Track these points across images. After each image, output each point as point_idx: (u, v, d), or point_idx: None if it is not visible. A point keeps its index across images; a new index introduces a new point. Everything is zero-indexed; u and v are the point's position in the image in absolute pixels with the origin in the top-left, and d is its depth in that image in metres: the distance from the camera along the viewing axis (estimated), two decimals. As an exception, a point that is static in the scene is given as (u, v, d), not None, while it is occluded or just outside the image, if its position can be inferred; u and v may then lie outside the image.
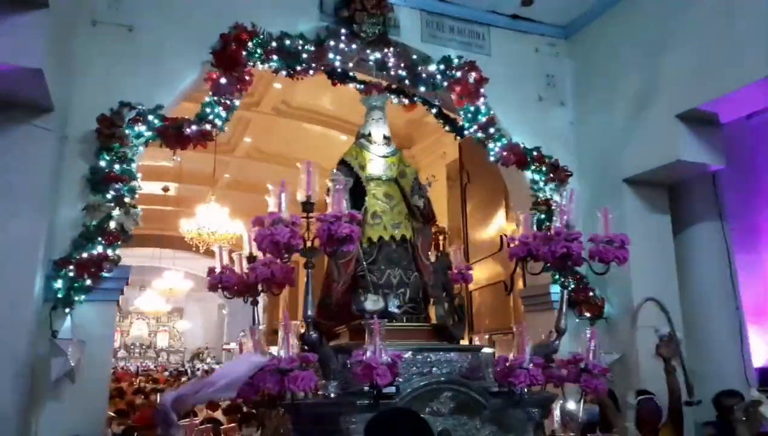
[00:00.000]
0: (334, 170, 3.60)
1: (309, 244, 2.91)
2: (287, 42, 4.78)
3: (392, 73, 5.24)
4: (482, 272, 6.80)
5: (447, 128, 5.89)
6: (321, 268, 3.88)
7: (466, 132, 5.51)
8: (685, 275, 5.45)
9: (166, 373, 19.49)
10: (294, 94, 8.71)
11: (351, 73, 5.30)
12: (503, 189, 6.33)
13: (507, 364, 2.97)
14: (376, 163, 4.05)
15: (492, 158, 5.39)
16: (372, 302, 3.45)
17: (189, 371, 19.81)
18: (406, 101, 5.67)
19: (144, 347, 25.23)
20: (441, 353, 3.32)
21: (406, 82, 5.32)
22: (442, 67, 5.29)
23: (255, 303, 3.53)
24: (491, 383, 3.27)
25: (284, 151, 11.06)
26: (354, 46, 5.03)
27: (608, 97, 5.60)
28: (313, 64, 4.97)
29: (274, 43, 4.74)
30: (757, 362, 5.34)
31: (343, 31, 4.98)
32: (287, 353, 2.57)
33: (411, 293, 3.80)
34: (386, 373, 2.50)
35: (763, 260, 5.74)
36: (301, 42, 4.83)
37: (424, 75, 5.28)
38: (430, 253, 4.11)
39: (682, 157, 4.95)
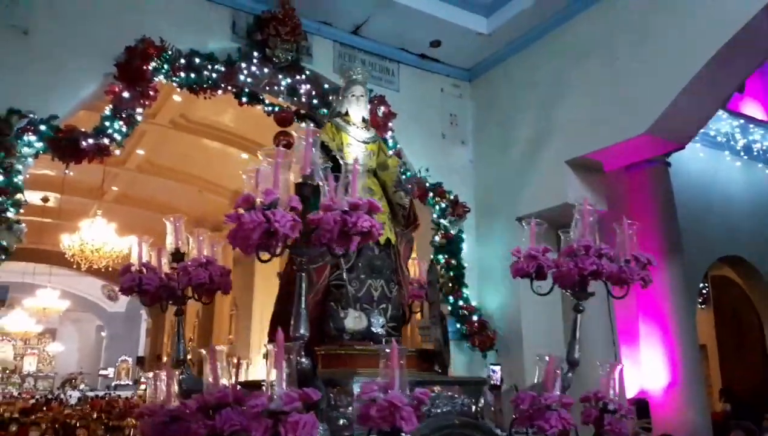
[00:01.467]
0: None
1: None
2: (196, 60, 4.68)
3: (303, 99, 5.28)
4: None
5: (353, 157, 5.98)
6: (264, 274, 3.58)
7: (371, 162, 5.63)
8: (569, 311, 5.84)
9: (33, 400, 17.82)
10: (194, 108, 8.44)
11: (260, 96, 5.28)
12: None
13: (533, 404, 2.38)
14: (355, 148, 3.41)
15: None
16: (353, 320, 2.96)
17: (59, 399, 18.24)
18: (312, 125, 5.70)
19: (8, 371, 22.88)
20: (443, 386, 2.75)
21: (317, 109, 5.38)
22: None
23: (181, 314, 2.97)
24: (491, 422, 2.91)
25: (179, 166, 10.66)
26: (266, 69, 5.01)
27: (506, 139, 5.95)
28: (222, 84, 4.89)
29: (182, 60, 4.62)
30: (630, 393, 5.82)
31: (255, 54, 4.95)
32: (281, 387, 1.73)
33: (392, 309, 3.19)
34: (411, 416, 1.88)
35: (636, 297, 6.29)
36: (210, 61, 4.74)
37: (334, 104, 5.34)
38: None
39: (569, 201, 5.34)
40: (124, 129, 4.34)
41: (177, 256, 2.78)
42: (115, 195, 11.56)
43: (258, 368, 11.61)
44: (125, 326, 22.79)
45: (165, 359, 18.14)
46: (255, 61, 4.93)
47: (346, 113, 3.49)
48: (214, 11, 4.93)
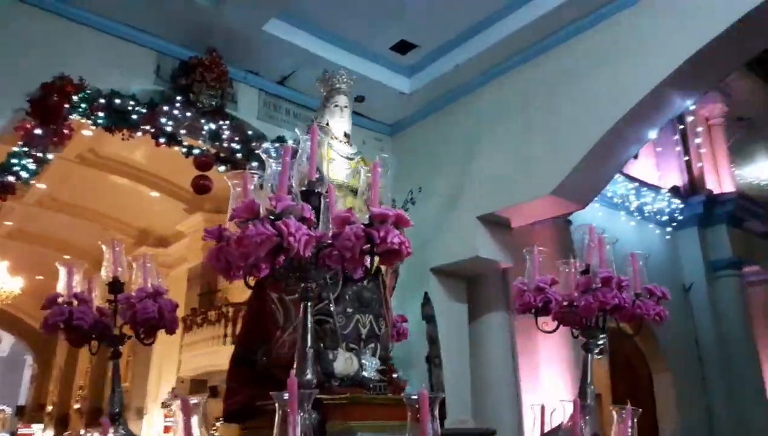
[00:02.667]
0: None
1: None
2: (117, 101, 4.58)
3: (225, 145, 5.26)
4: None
5: (273, 204, 5.97)
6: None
7: (291, 210, 5.65)
8: (478, 357, 6.04)
9: None
10: (104, 144, 8.15)
11: (179, 137, 5.20)
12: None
13: None
14: (339, 164, 3.07)
15: (316, 239, 5.56)
16: (344, 362, 2.55)
17: None
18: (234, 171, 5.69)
19: None
20: None
21: (239, 155, 5.36)
22: (276, 145, 5.40)
23: (119, 356, 2.46)
24: None
25: (83, 202, 10.17)
26: (188, 114, 4.97)
27: (422, 193, 6.15)
28: (142, 126, 4.80)
29: (101, 100, 4.51)
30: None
31: (178, 98, 4.90)
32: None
33: (381, 349, 2.83)
34: None
35: (537, 346, 6.60)
36: (132, 103, 4.65)
37: (257, 151, 5.35)
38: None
39: (480, 254, 5.61)
40: (32, 167, 4.15)
41: (115, 286, 2.37)
42: (9, 230, 10.79)
43: (154, 417, 11.03)
44: (6, 371, 20.90)
45: (50, 408, 16.71)
46: (178, 104, 4.88)
47: (327, 124, 3.16)
48: (139, 54, 4.87)
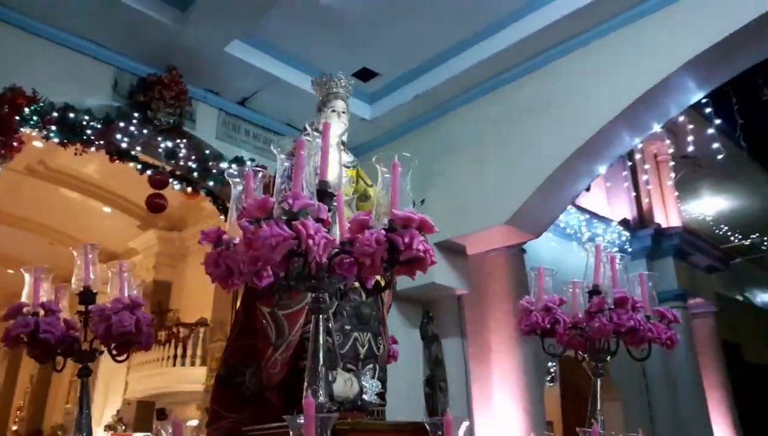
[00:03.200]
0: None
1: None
2: (71, 115, 4.48)
3: (181, 163, 5.20)
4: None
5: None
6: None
7: (247, 231, 5.61)
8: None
9: None
10: (55, 156, 7.92)
11: (134, 154, 5.13)
12: (277, 291, 6.45)
13: None
14: (335, 172, 3.07)
15: (272, 261, 5.52)
16: (343, 384, 2.37)
17: None
18: (190, 189, 5.63)
19: None
20: None
21: (195, 174, 5.31)
22: (233, 166, 5.38)
23: (89, 374, 2.26)
24: None
25: (30, 215, 9.84)
26: (145, 130, 4.91)
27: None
28: (96, 142, 4.71)
29: (55, 114, 4.40)
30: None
31: (135, 114, 4.83)
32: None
33: (380, 370, 2.65)
34: None
35: (492, 373, 6.65)
36: (86, 118, 4.56)
37: (214, 170, 5.32)
38: None
39: (437, 281, 5.66)
40: (-23, 179, 4.00)
41: (87, 296, 2.18)
42: (-52, 243, 10.34)
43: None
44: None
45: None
46: (134, 121, 4.81)
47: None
48: (97, 68, 4.79)
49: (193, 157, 5.22)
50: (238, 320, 2.69)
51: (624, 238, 8.81)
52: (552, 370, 8.77)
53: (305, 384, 1.52)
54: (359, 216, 1.53)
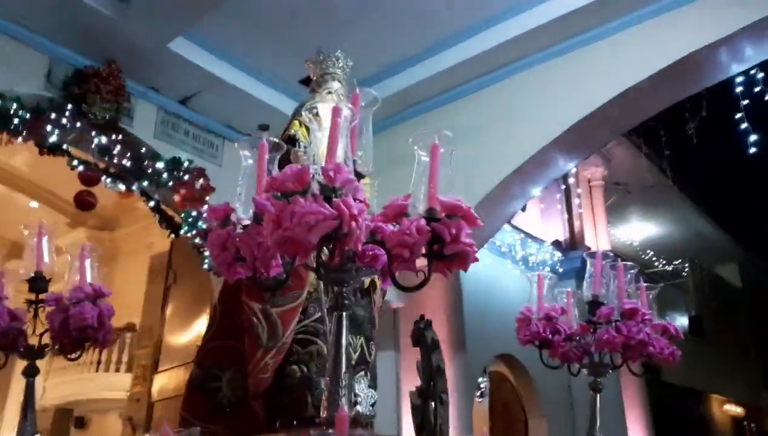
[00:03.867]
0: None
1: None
2: (-2, 102, 4.25)
3: (115, 160, 5.03)
4: (170, 382, 6.48)
5: (163, 226, 5.74)
6: None
7: (182, 233, 5.46)
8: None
9: None
10: (-21, 146, 7.49)
11: (66, 148, 4.92)
12: (210, 297, 6.29)
13: None
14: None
15: (205, 266, 5.39)
16: None
17: None
18: (123, 188, 5.44)
19: None
20: None
21: (129, 172, 5.14)
22: (170, 166, 5.24)
23: (34, 373, 1.99)
24: None
25: (-53, 207, 9.24)
26: (78, 124, 4.71)
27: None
28: (25, 132, 4.49)
29: (-20, 100, 4.17)
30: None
31: (69, 106, 4.63)
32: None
33: (371, 378, 2.42)
34: None
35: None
36: (15, 106, 4.33)
37: (150, 170, 5.16)
38: None
39: (374, 292, 5.66)
40: None
41: (38, 283, 1.94)
42: None
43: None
44: None
45: None
46: (67, 114, 4.61)
47: (317, 114, 2.59)
48: (30, 56, 4.55)
49: (129, 155, 5.05)
50: (215, 317, 2.44)
51: (556, 258, 9.09)
52: (482, 386, 8.92)
53: (326, 393, 1.34)
54: (396, 200, 1.32)
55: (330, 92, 2.79)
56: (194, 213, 5.32)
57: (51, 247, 2.02)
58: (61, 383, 9.30)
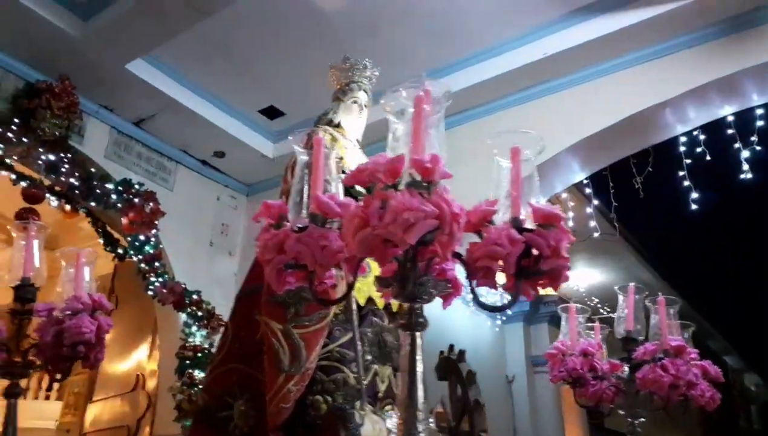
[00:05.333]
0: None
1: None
2: (-62, 111, 4.07)
3: (63, 178, 4.85)
4: (105, 412, 6.17)
5: (108, 248, 5.55)
6: None
7: (127, 257, 5.29)
8: None
9: None
10: None
11: (8, 163, 4.73)
12: (153, 325, 6.08)
13: None
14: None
15: (150, 293, 5.22)
16: (372, 429, 1.89)
17: None
18: (68, 207, 5.26)
19: None
20: None
21: (77, 191, 4.96)
22: (120, 188, 5.10)
23: (17, 395, 1.78)
24: None
25: None
26: (24, 139, 4.54)
27: (272, 258, 6.08)
28: (-35, 144, 4.30)
29: None
30: None
31: (16, 121, 4.47)
32: None
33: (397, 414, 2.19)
34: None
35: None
36: (-43, 116, 4.16)
37: (98, 191, 5.00)
38: None
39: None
40: None
41: (25, 291, 1.74)
42: None
43: None
44: None
45: None
46: (14, 127, 4.44)
47: (339, 125, 2.52)
48: (-22, 66, 4.41)
49: (77, 174, 4.88)
50: (225, 339, 2.22)
51: (505, 300, 9.19)
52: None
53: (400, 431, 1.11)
54: (480, 205, 1.15)
55: (355, 102, 2.64)
56: (142, 237, 5.17)
57: (42, 251, 1.82)
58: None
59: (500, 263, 1.10)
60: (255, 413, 2.00)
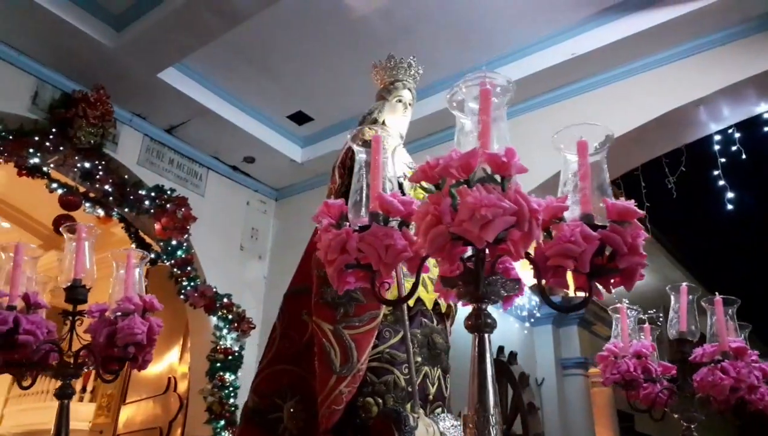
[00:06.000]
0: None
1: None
2: (-21, 121, 4.20)
3: (97, 185, 4.98)
4: (138, 414, 6.28)
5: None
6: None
7: (159, 262, 5.38)
8: None
9: None
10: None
11: (46, 170, 4.87)
12: (184, 328, 6.17)
13: None
14: (399, 171, 2.42)
15: (181, 296, 5.30)
16: (425, 428, 1.86)
17: None
18: (102, 213, 5.38)
19: None
20: None
21: (111, 198, 5.08)
22: (153, 194, 5.20)
23: (69, 396, 1.77)
24: None
25: None
26: (62, 148, 4.67)
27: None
28: (5, 153, 4.43)
29: (-39, 117, 4.12)
30: None
31: (54, 130, 4.59)
32: None
33: (448, 416, 2.11)
34: None
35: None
36: (-1, 126, 4.29)
37: (132, 197, 5.11)
38: None
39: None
40: None
41: (77, 293, 1.75)
42: None
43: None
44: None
45: None
46: (51, 137, 4.57)
47: (383, 123, 2.49)
48: (17, 76, 4.52)
49: (111, 181, 5.00)
50: (274, 339, 2.20)
51: (533, 302, 9.12)
52: None
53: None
54: (552, 201, 1.09)
55: (400, 100, 2.62)
56: (174, 242, 5.26)
57: (92, 252, 1.82)
58: (21, 410, 8.97)
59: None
60: (305, 415, 1.99)
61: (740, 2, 3.93)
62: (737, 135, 4.57)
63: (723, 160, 4.67)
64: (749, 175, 4.83)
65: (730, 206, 4.75)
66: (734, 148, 4.58)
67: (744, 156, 4.56)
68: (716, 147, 4.67)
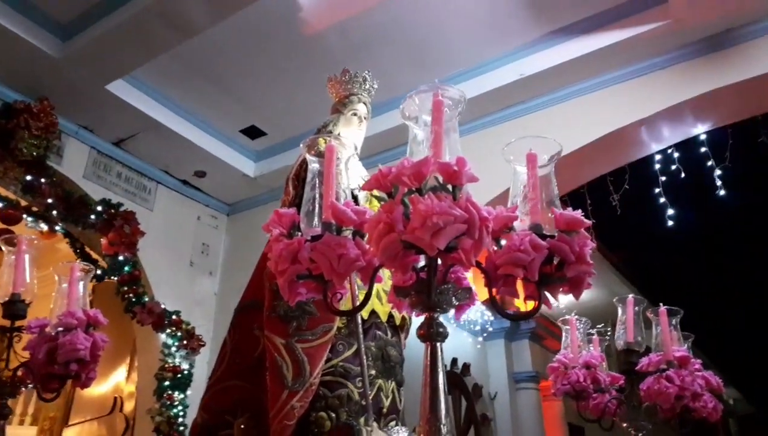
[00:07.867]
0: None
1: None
2: None
3: (40, 199, 4.80)
4: (82, 436, 6.04)
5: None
6: None
7: (106, 278, 5.22)
8: None
9: None
10: None
11: (-15, 183, 4.67)
12: (132, 346, 5.98)
13: None
14: (354, 183, 2.43)
15: (129, 313, 5.15)
16: None
17: None
18: (46, 227, 5.18)
19: None
20: None
21: (54, 212, 4.90)
22: (99, 208, 5.05)
23: (6, 416, 1.74)
24: None
25: None
26: (3, 160, 4.48)
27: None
28: (-60, 165, 4.23)
29: None
30: None
31: (-7, 141, 4.42)
32: None
33: (402, 429, 2.12)
34: None
35: None
36: (-69, 136, 4.10)
37: (77, 211, 4.96)
38: None
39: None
40: None
41: (15, 308, 1.70)
42: None
43: None
44: None
45: None
46: (-9, 148, 4.40)
47: (339, 136, 2.42)
48: (-46, 87, 4.36)
49: (55, 195, 4.83)
50: (225, 354, 2.17)
51: (486, 317, 9.23)
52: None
53: None
54: (502, 211, 1.12)
55: (355, 114, 2.64)
56: (120, 258, 5.12)
57: (32, 266, 1.75)
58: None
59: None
60: (257, 432, 1.96)
61: (680, 29, 4.13)
62: (676, 154, 4.78)
63: (663, 178, 4.87)
64: (688, 192, 5.05)
65: (670, 223, 4.95)
66: (674, 167, 4.79)
67: (683, 175, 4.78)
68: (657, 166, 4.87)
